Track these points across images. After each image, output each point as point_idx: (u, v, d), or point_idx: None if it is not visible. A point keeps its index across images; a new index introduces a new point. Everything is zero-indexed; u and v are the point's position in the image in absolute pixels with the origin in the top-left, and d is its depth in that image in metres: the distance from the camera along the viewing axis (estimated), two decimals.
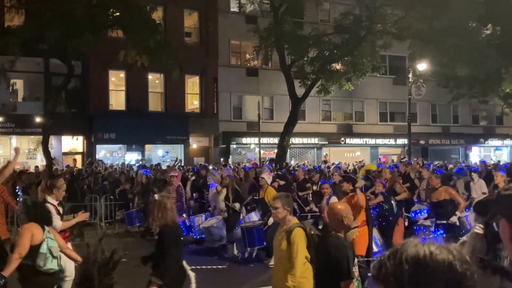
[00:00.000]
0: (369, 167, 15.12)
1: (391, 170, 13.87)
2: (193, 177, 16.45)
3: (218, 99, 29.64)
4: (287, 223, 5.08)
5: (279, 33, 24.54)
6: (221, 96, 29.75)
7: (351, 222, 4.77)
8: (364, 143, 34.00)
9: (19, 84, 26.05)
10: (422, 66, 27.56)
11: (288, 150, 27.40)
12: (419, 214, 12.99)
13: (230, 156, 29.74)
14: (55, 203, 7.24)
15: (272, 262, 10.33)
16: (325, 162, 27.15)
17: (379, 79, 32.30)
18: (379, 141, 34.47)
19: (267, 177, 11.88)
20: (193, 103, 30.53)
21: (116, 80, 28.08)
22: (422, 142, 34.84)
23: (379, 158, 31.36)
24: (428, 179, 11.54)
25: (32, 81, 26.19)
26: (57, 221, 6.66)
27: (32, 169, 21.79)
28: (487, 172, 16.00)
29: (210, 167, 18.86)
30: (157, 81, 28.70)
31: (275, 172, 16.05)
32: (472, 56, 25.06)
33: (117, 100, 27.94)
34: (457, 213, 9.91)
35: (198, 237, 13.05)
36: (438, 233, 9.99)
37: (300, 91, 25.68)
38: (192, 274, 5.83)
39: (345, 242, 4.62)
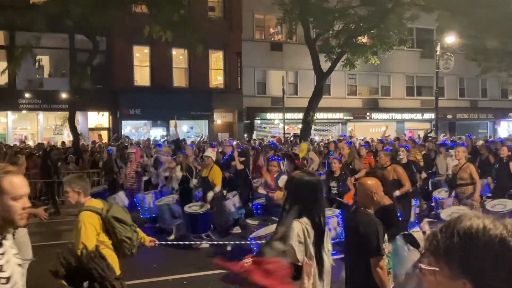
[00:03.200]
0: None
1: (349, 145, 12.68)
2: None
3: (242, 74, 29.50)
4: (80, 207, 4.60)
5: (303, 6, 24.14)
6: (245, 71, 29.59)
7: (381, 198, 4.67)
8: (390, 118, 33.60)
9: (45, 60, 26.28)
10: (450, 38, 26.95)
11: (313, 126, 27.21)
12: None
13: (254, 132, 29.71)
14: None
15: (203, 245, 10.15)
16: (351, 137, 26.91)
17: (406, 52, 31.69)
18: (406, 116, 34.04)
19: (212, 154, 11.20)
20: (217, 78, 30.46)
21: (141, 55, 28.11)
22: (449, 116, 34.29)
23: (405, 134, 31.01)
24: (378, 157, 10.35)
25: (58, 57, 26.41)
26: None
27: (59, 145, 22.09)
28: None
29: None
30: (181, 57, 28.64)
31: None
32: (502, 27, 24.33)
33: (142, 75, 28.02)
34: (396, 192, 8.66)
35: (148, 216, 12.31)
36: None
37: (325, 65, 25.35)
38: None
39: (374, 218, 4.53)
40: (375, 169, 6.99)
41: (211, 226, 10.66)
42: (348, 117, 32.49)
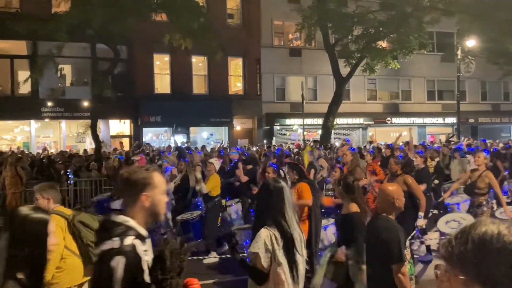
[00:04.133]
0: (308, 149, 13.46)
1: (352, 152, 11.79)
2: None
3: (261, 80, 29.57)
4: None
5: (322, 11, 24.15)
6: (264, 77, 29.66)
7: (402, 204, 4.65)
8: (411, 122, 33.34)
9: (67, 69, 26.69)
10: (471, 42, 26.68)
11: (333, 131, 27.13)
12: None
13: (274, 138, 29.71)
14: None
15: (207, 260, 9.65)
16: (371, 142, 26.75)
17: (427, 56, 31.46)
18: (427, 120, 33.74)
19: (216, 162, 10.76)
20: (236, 85, 30.58)
21: (161, 63, 28.36)
22: (471, 120, 33.88)
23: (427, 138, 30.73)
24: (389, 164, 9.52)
25: (80, 66, 26.75)
26: None
27: (81, 152, 22.37)
28: None
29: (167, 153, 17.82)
30: (200, 64, 28.83)
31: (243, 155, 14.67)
32: None
33: (162, 83, 28.26)
34: (420, 213, 8.28)
35: None
36: None
37: (344, 70, 25.30)
38: None
39: (396, 224, 4.51)
40: (347, 175, 6.58)
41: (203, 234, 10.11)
42: (369, 122, 32.31)
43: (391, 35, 24.62)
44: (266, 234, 3.76)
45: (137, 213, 2.70)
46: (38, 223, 2.61)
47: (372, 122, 32.35)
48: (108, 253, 2.49)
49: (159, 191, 2.76)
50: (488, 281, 1.46)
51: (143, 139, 26.33)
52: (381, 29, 24.46)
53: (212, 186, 10.21)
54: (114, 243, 2.50)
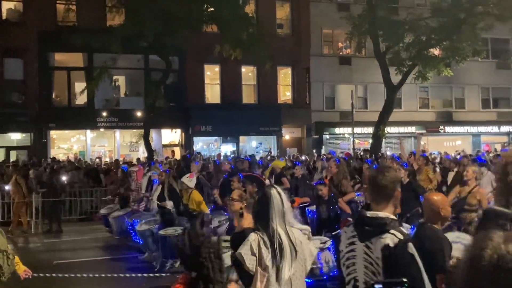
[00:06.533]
0: (276, 164, 13.09)
1: (337, 164, 11.06)
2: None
3: (311, 89, 29.54)
4: None
5: (372, 19, 23.95)
6: (313, 86, 29.62)
7: (448, 213, 4.60)
8: (465, 131, 32.44)
9: (121, 80, 27.50)
10: None
11: (384, 140, 26.76)
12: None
13: (323, 147, 29.56)
14: None
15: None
16: (423, 151, 26.20)
17: (481, 63, 30.58)
18: (482, 129, 32.74)
19: (187, 180, 9.97)
20: (285, 94, 30.66)
21: (211, 74, 28.80)
22: None
23: (482, 148, 29.83)
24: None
25: (133, 77, 27.50)
26: None
27: (134, 161, 22.94)
28: None
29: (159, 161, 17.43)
30: (250, 74, 29.10)
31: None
32: None
33: (213, 93, 28.67)
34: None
35: (138, 240, 11.24)
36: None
37: (395, 78, 24.95)
38: None
39: (441, 233, 4.47)
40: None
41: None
42: (421, 131, 31.63)
43: (444, 42, 24.13)
44: (253, 238, 3.93)
45: (392, 207, 3.07)
46: None
47: (425, 131, 31.67)
48: (401, 243, 2.87)
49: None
50: None
51: (194, 148, 26.76)
52: (433, 36, 24.03)
53: (196, 203, 9.79)
54: (396, 235, 2.88)
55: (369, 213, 3.02)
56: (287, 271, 3.90)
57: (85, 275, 8.75)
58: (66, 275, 8.39)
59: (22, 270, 5.44)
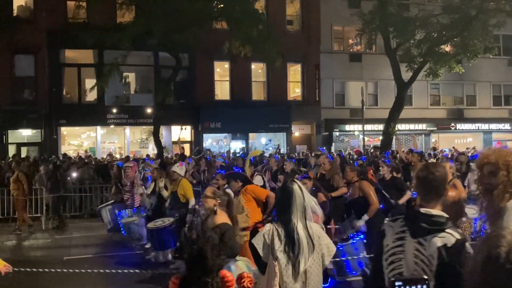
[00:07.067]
0: (255, 153, 13.31)
1: (330, 160, 11.33)
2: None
3: (320, 86, 29.44)
4: None
5: (383, 16, 23.80)
6: (323, 83, 29.51)
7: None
8: (477, 128, 32.21)
9: (131, 77, 27.58)
10: None
11: (394, 137, 26.62)
12: None
13: (333, 144, 29.47)
14: None
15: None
16: (434, 149, 26.06)
17: (492, 60, 30.35)
18: (493, 126, 32.50)
19: (178, 169, 10.35)
20: (295, 91, 30.59)
21: (221, 71, 28.79)
22: None
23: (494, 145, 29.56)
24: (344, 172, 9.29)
25: (143, 74, 27.58)
26: None
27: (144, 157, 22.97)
28: None
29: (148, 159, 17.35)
30: (259, 71, 29.06)
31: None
32: None
33: (222, 90, 28.67)
34: (365, 216, 8.05)
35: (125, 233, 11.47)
36: (357, 238, 7.79)
37: (406, 75, 24.80)
38: None
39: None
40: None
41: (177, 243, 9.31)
42: (432, 128, 31.49)
43: (455, 39, 23.95)
44: (267, 229, 4.08)
45: (441, 205, 3.05)
46: None
47: (435, 128, 31.51)
48: (459, 243, 2.84)
49: None
50: None
51: (204, 145, 26.78)
52: (444, 33, 23.86)
53: (190, 191, 9.98)
54: (454, 234, 2.87)
55: (422, 210, 2.97)
56: (303, 264, 3.98)
57: (95, 270, 8.78)
58: (77, 270, 8.43)
59: (2, 265, 5.43)
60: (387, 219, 3.15)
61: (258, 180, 11.70)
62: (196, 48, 24.67)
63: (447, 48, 25.24)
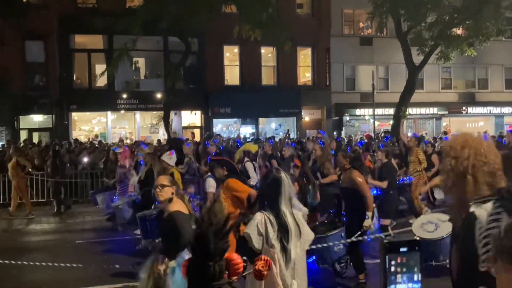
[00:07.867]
0: (248, 148, 12.79)
1: (322, 147, 11.11)
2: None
3: (331, 70, 29.28)
4: None
5: None
6: (333, 67, 29.34)
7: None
8: (488, 112, 31.95)
9: (141, 62, 27.52)
10: None
11: (405, 121, 26.44)
12: None
13: (344, 128, 29.38)
14: None
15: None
16: (445, 133, 25.89)
17: (505, 43, 29.99)
18: (505, 109, 32.20)
19: (167, 158, 9.86)
20: (305, 75, 30.44)
21: (231, 55, 28.71)
22: None
23: (506, 129, 29.32)
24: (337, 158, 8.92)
25: (153, 59, 27.56)
26: None
27: (155, 143, 23.03)
28: None
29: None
30: (269, 55, 28.92)
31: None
32: None
33: (232, 75, 28.61)
34: (368, 213, 7.48)
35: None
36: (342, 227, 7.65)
37: (417, 58, 24.56)
38: None
39: None
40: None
41: None
42: (443, 112, 31.26)
43: (467, 22, 23.64)
44: (260, 218, 4.09)
45: None
46: None
47: (447, 112, 31.27)
48: None
49: None
50: None
51: (214, 130, 26.81)
52: (455, 15, 23.54)
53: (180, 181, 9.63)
54: None
55: None
56: (293, 251, 4.07)
57: (105, 255, 8.84)
58: (88, 253, 8.50)
59: None
60: (473, 202, 3.05)
61: (248, 166, 11.68)
62: (205, 33, 24.60)
63: (459, 31, 24.95)
